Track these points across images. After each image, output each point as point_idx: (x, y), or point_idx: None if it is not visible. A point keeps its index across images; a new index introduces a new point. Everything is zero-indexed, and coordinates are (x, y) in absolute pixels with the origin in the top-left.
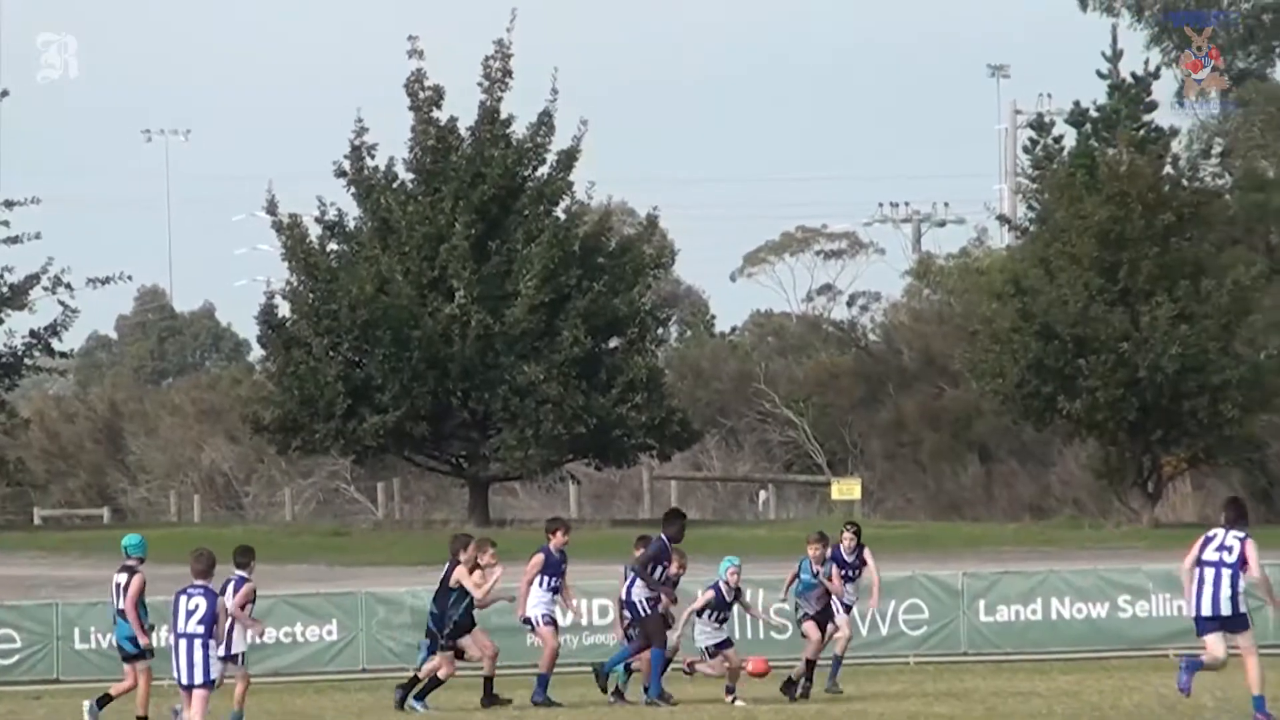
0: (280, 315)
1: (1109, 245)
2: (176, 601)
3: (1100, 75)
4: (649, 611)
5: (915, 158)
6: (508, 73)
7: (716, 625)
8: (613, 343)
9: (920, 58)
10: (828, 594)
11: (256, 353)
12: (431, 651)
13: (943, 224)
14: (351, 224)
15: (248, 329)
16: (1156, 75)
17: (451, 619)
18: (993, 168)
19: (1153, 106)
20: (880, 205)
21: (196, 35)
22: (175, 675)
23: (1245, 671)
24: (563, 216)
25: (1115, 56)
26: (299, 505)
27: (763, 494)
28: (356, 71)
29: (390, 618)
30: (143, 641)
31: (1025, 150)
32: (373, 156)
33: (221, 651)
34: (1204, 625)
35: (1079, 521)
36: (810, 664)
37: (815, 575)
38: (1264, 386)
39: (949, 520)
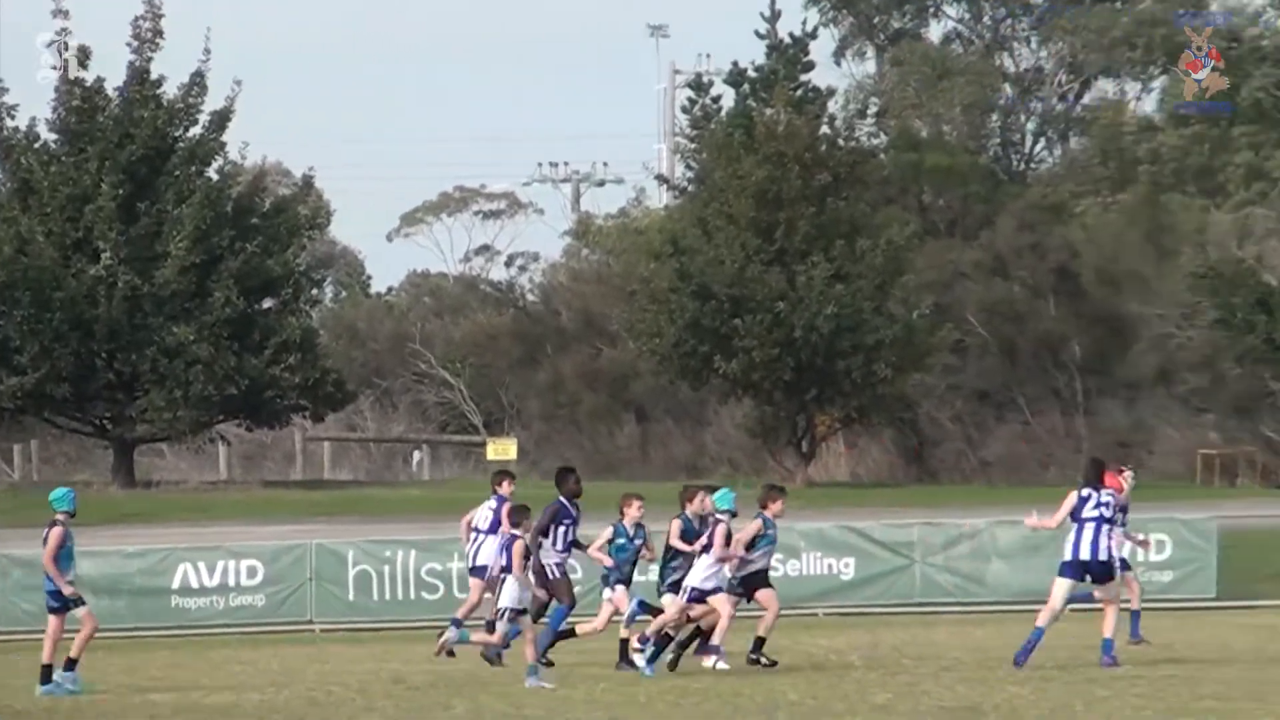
0: None
1: (766, 205)
2: None
3: (759, 35)
4: (556, 574)
5: (574, 117)
6: (159, 33)
7: (715, 567)
8: (267, 303)
9: (579, 16)
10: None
11: None
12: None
13: (602, 184)
14: None
15: None
16: (814, 36)
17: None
18: (652, 128)
19: (810, 66)
20: (539, 165)
21: None
22: None
23: (1104, 618)
24: (215, 177)
25: (774, 17)
26: None
27: (417, 454)
28: None
29: (24, 579)
30: (67, 592)
31: (684, 110)
32: (13, 117)
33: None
34: (1071, 570)
35: (733, 480)
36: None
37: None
38: (916, 346)
39: (605, 480)
